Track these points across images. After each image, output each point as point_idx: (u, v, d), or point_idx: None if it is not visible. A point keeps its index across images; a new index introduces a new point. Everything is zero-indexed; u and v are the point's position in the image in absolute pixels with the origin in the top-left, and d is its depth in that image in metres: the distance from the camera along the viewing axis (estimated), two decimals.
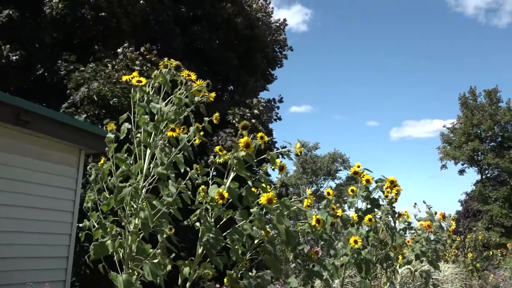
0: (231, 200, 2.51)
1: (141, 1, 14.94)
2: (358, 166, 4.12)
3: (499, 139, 38.31)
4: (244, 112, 15.04)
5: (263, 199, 2.54)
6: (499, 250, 14.04)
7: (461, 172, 39.60)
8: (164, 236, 2.28)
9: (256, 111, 15.30)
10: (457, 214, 36.67)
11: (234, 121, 14.51)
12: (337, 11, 73.11)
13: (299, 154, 2.92)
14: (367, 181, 4.02)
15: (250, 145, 2.63)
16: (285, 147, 3.00)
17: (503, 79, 66.08)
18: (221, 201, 2.43)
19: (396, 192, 4.04)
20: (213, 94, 2.61)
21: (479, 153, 38.23)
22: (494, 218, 35.48)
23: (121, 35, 14.18)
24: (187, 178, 2.45)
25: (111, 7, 14.04)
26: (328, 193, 3.90)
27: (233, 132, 13.68)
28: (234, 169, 2.60)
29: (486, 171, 38.71)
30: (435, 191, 62.56)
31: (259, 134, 2.78)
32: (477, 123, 37.74)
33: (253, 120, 14.60)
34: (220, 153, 2.76)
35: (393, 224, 4.17)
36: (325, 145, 76.50)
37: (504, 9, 67.31)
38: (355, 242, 3.72)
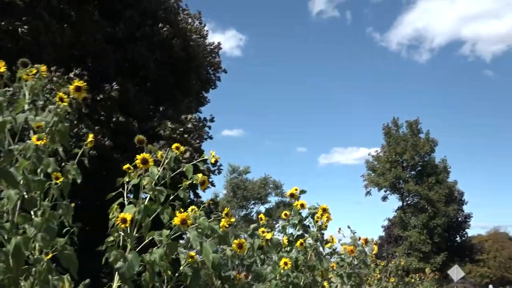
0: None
1: (73, 19, 14.36)
2: (296, 189, 4.14)
3: (419, 168, 40.55)
4: (176, 127, 14.76)
5: (176, 220, 2.33)
6: (417, 275, 14.66)
7: (384, 198, 41.35)
8: (43, 262, 2.00)
9: (189, 125, 15.10)
10: (380, 240, 38.10)
11: (164, 134, 14.18)
12: (271, 38, 75.05)
13: (214, 162, 2.79)
14: (302, 205, 4.04)
15: (149, 161, 2.34)
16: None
17: (423, 111, 70.53)
18: (122, 225, 2.20)
19: (327, 219, 4.10)
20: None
21: (401, 180, 40.17)
22: (413, 243, 37.20)
23: (45, 61, 13.55)
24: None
25: (37, 37, 13.38)
26: (261, 218, 3.89)
27: (166, 143, 13.37)
28: (145, 188, 2.34)
29: (407, 198, 40.70)
30: (360, 216, 64.93)
31: (175, 145, 2.56)
32: (399, 152, 39.74)
33: (185, 135, 14.36)
34: (129, 171, 2.48)
35: (321, 250, 4.20)
36: (256, 169, 77.20)
37: (423, 47, 72.67)
38: (285, 264, 3.67)
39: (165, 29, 16.36)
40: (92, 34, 14.66)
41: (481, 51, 75.80)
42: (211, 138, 18.48)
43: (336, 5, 74.02)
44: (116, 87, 13.67)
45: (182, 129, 14.53)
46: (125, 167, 2.50)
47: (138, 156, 2.34)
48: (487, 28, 69.96)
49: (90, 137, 2.46)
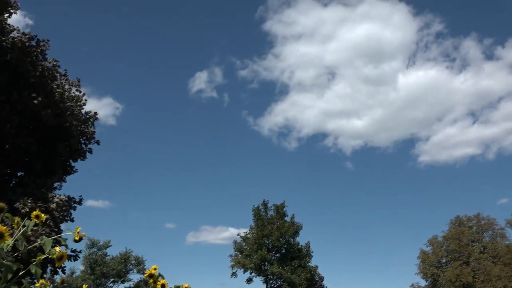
0: None
1: None
2: (155, 269, 4.09)
3: (284, 251, 41.93)
4: (36, 204, 13.82)
5: None
6: None
7: (249, 280, 41.42)
8: None
9: (53, 205, 14.19)
10: None
11: (23, 211, 13.17)
12: (148, 110, 75.15)
13: (78, 240, 2.49)
14: (163, 286, 4.02)
15: (5, 235, 2.06)
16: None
17: (291, 195, 74.40)
18: None
19: None
20: None
21: (266, 262, 40.98)
22: None
23: None
24: None
25: None
26: None
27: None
28: None
29: (271, 281, 41.34)
30: None
31: (34, 213, 2.34)
32: (267, 234, 40.91)
33: (45, 215, 13.47)
34: None
35: None
36: (120, 244, 73.13)
37: (292, 135, 78.26)
38: None
39: (34, 95, 15.60)
40: None
41: (342, 145, 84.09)
42: (72, 220, 17.14)
43: (215, 86, 77.66)
44: None
45: (44, 207, 13.60)
46: None
47: None
48: (348, 125, 78.35)
49: None
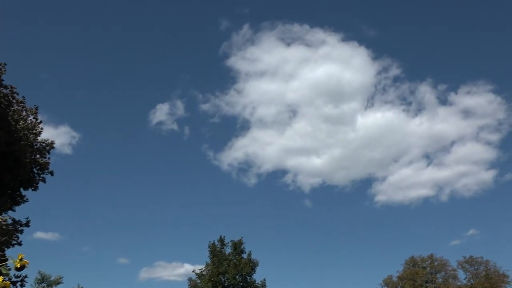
0: None
1: None
2: None
3: None
4: None
5: None
6: None
7: None
8: None
9: None
10: None
11: None
12: (106, 140, 73.96)
13: (20, 268, 2.36)
14: None
15: None
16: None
17: (249, 231, 73.94)
18: None
19: None
20: None
21: None
22: None
23: None
24: None
25: None
26: None
27: None
28: None
29: None
30: None
31: None
32: (223, 271, 40.25)
33: None
34: None
35: None
36: (69, 279, 70.18)
37: (252, 171, 78.51)
38: None
39: None
40: None
41: (301, 182, 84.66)
42: (20, 244, 16.45)
43: (176, 119, 77.43)
44: None
45: None
46: None
47: None
48: (307, 162, 79.31)
49: None
